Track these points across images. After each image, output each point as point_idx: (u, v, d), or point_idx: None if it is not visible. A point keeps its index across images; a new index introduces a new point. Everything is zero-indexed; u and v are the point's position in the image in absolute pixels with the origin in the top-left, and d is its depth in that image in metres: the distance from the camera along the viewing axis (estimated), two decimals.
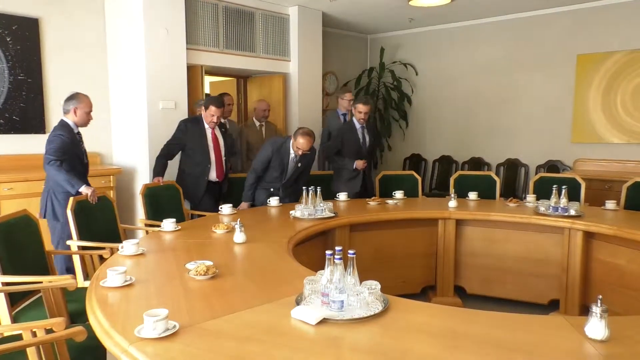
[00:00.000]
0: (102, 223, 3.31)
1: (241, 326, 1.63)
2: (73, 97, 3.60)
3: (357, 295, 1.72)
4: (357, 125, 4.70)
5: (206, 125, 4.27)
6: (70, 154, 3.48)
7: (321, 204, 3.51)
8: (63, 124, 3.55)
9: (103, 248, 2.88)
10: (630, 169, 5.59)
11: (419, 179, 4.80)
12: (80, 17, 4.85)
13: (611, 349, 1.49)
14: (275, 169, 4.17)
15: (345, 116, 5.54)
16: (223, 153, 4.39)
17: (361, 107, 4.61)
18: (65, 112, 3.60)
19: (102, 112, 5.01)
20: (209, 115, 4.20)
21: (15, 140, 4.55)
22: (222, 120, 5.16)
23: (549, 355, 1.42)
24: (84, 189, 3.30)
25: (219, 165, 4.34)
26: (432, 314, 1.80)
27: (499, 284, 3.85)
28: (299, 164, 4.22)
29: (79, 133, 3.66)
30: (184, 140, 4.28)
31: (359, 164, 4.59)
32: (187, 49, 4.99)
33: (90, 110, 3.64)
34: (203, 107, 4.28)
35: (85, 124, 3.65)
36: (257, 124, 5.45)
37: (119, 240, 3.17)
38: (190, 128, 4.29)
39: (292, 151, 4.15)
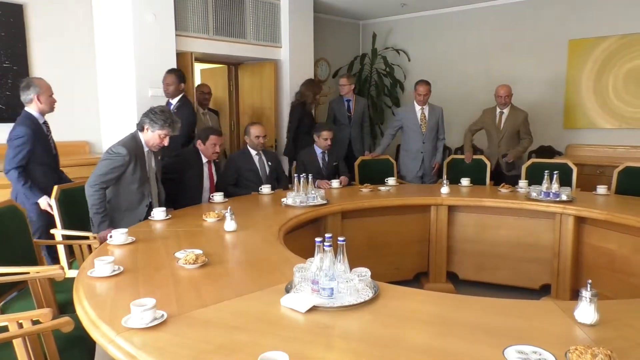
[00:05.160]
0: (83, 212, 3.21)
1: (230, 315, 1.62)
2: (30, 85, 3.27)
3: (347, 282, 1.71)
4: (319, 151, 4.62)
5: (204, 159, 3.87)
6: (35, 149, 3.22)
7: (312, 191, 3.49)
8: (27, 117, 3.27)
9: (87, 237, 2.85)
10: (621, 154, 5.60)
11: None
12: (66, 3, 4.75)
13: (600, 333, 1.49)
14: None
15: (349, 102, 5.58)
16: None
17: (326, 134, 4.53)
18: (27, 102, 3.29)
19: (90, 100, 4.96)
20: (211, 146, 3.80)
21: (2, 129, 4.46)
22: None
23: (539, 339, 1.42)
24: (41, 201, 3.11)
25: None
26: (422, 300, 1.80)
27: (491, 270, 3.86)
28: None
29: (45, 122, 3.37)
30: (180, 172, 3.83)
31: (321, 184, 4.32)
32: (176, 35, 4.91)
33: (52, 93, 3.36)
34: (200, 141, 3.84)
35: (52, 109, 3.38)
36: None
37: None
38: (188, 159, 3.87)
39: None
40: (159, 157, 3.42)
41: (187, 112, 4.37)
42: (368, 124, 5.77)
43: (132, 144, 3.10)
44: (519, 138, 4.92)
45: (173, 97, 4.50)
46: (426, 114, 4.90)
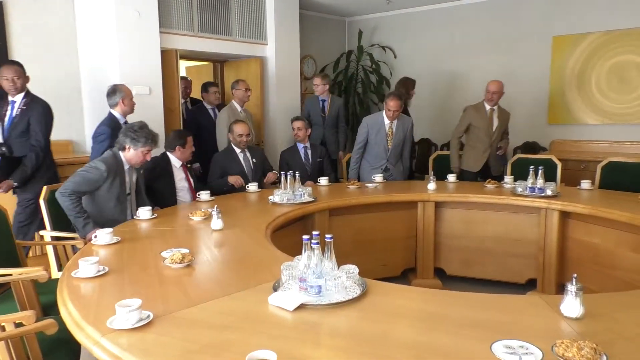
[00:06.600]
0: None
1: (217, 314, 1.61)
2: (116, 90, 3.74)
3: (335, 280, 1.70)
4: (300, 146, 4.64)
5: (179, 164, 3.81)
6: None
7: (300, 189, 3.48)
8: (110, 118, 3.71)
9: (74, 238, 2.82)
10: (604, 149, 5.68)
11: None
12: (47, 0, 4.67)
13: (586, 326, 1.51)
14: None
15: (324, 102, 5.54)
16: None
17: (295, 124, 4.66)
18: (113, 105, 3.74)
19: (73, 99, 4.88)
20: (189, 148, 3.82)
21: None
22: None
23: (526, 334, 1.43)
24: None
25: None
26: (410, 296, 1.80)
27: (478, 265, 3.89)
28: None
29: (126, 122, 3.72)
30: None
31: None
32: (160, 32, 4.85)
33: (132, 97, 3.84)
34: (178, 147, 3.77)
35: (132, 110, 3.83)
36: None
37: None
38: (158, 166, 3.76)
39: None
40: (141, 171, 3.39)
41: (44, 109, 3.72)
42: (344, 124, 5.74)
43: (112, 162, 3.07)
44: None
45: (22, 91, 3.72)
46: (394, 129, 4.51)
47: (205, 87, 5.41)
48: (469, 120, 4.77)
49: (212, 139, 5.01)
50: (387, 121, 4.50)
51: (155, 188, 3.69)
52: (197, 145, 4.97)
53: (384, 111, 4.48)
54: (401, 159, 4.68)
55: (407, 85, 5.62)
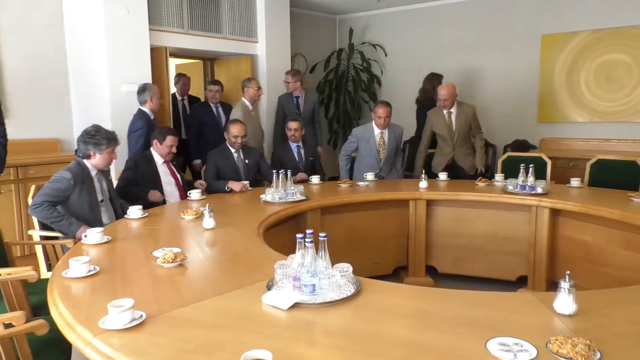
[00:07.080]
0: None
1: (211, 313, 1.59)
2: (146, 89, 4.13)
3: (329, 278, 1.70)
4: (294, 145, 4.66)
5: (161, 160, 3.76)
6: (148, 139, 3.86)
7: (292, 187, 3.47)
8: (142, 114, 4.11)
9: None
10: (593, 147, 5.73)
11: None
12: None
13: (579, 323, 1.52)
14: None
15: (298, 98, 5.47)
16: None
17: (290, 125, 4.64)
18: (142, 102, 4.13)
19: (61, 96, 4.82)
20: (167, 147, 3.71)
21: None
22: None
23: (520, 331, 1.43)
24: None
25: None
26: (404, 294, 1.80)
27: (469, 263, 3.91)
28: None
29: (154, 118, 4.19)
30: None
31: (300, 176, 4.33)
32: (149, 29, 4.80)
33: (160, 96, 4.23)
34: (156, 141, 3.73)
35: (159, 108, 4.27)
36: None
37: None
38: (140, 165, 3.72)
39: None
40: (109, 177, 3.32)
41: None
42: (319, 118, 5.67)
43: (78, 170, 2.98)
44: (470, 135, 4.76)
45: None
46: (385, 139, 4.44)
47: (206, 85, 5.41)
48: (430, 126, 4.77)
49: (215, 136, 4.93)
50: (377, 130, 4.44)
51: (142, 184, 3.64)
52: (199, 143, 4.93)
53: (374, 120, 4.45)
54: (394, 167, 4.67)
55: (433, 81, 5.58)
